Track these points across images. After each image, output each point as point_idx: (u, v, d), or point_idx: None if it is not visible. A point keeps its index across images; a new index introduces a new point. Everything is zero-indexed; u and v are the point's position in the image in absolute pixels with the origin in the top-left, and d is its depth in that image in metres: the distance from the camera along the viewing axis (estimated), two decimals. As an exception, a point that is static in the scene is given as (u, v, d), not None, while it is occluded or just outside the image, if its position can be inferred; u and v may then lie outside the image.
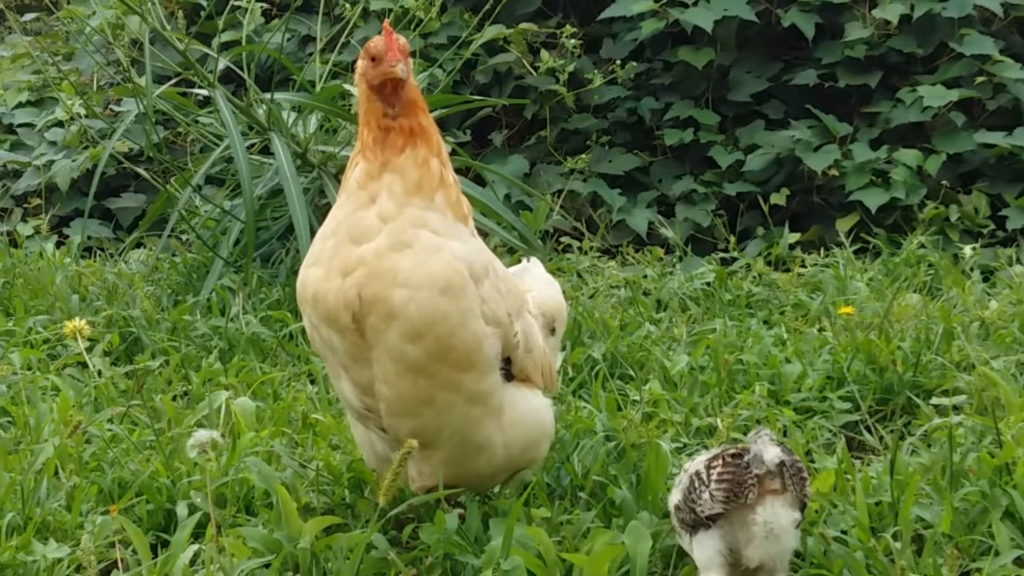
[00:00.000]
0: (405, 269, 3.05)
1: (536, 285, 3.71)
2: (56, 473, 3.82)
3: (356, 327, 3.08)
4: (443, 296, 3.06)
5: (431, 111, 3.35)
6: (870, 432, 4.20)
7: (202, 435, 3.22)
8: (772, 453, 2.83)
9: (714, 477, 2.87)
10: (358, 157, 3.19)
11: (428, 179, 3.14)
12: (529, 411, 3.36)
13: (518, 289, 3.41)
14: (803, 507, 2.88)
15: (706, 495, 2.86)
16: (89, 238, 7.89)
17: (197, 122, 6.76)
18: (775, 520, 2.83)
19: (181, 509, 3.48)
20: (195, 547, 3.27)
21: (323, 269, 3.13)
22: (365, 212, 3.12)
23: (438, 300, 3.05)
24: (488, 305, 3.17)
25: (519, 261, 3.96)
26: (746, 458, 2.85)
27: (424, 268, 3.05)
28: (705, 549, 2.90)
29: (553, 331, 3.69)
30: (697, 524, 2.91)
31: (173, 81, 6.54)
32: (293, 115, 6.49)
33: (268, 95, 6.18)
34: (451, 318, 3.07)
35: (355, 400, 3.22)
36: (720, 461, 2.89)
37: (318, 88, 6.44)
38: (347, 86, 6.31)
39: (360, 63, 3.20)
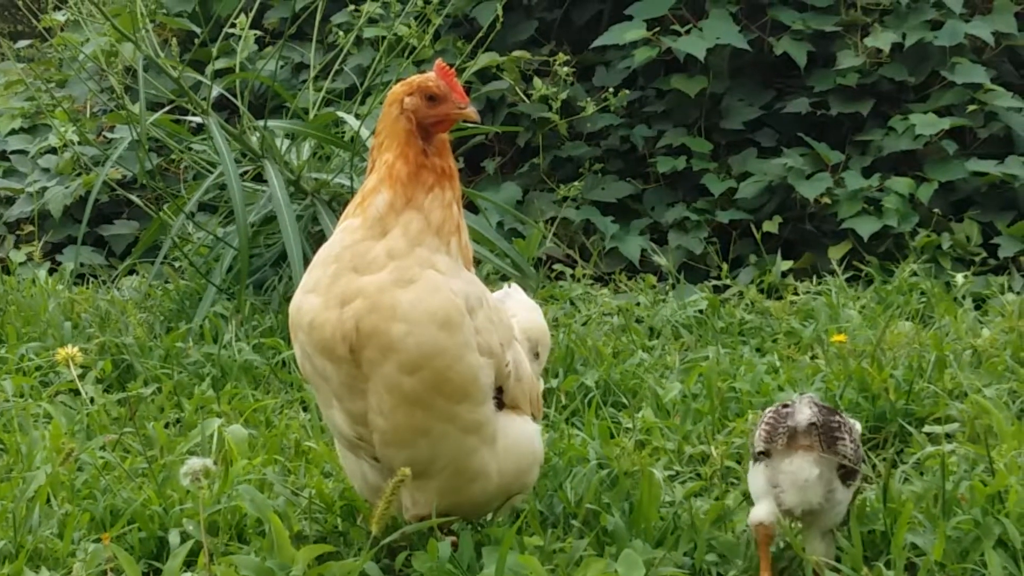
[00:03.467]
0: (404, 304, 3.04)
1: (519, 310, 3.71)
2: (48, 501, 3.79)
3: (352, 358, 3.08)
4: (441, 331, 3.06)
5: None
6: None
7: (195, 463, 3.22)
8: (805, 414, 3.12)
9: (764, 419, 3.22)
10: (382, 186, 3.16)
11: (449, 222, 3.17)
12: (521, 438, 3.36)
13: (507, 318, 3.42)
14: (843, 467, 3.13)
15: (757, 433, 3.21)
16: (82, 265, 7.87)
17: (190, 149, 6.76)
18: (799, 472, 3.12)
19: (173, 537, 3.46)
20: (187, 575, 3.25)
21: (321, 297, 3.11)
22: (373, 243, 3.12)
23: (437, 335, 3.05)
24: (482, 336, 3.17)
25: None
26: (785, 411, 3.18)
27: (424, 304, 3.05)
28: (756, 480, 3.22)
29: (537, 355, 3.69)
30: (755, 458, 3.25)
31: (166, 108, 6.55)
32: (286, 142, 6.49)
33: (261, 122, 6.18)
34: (449, 352, 3.08)
35: (347, 430, 3.21)
36: (773, 409, 3.24)
37: (311, 115, 6.45)
38: (341, 114, 6.32)
39: (407, 99, 3.19)
